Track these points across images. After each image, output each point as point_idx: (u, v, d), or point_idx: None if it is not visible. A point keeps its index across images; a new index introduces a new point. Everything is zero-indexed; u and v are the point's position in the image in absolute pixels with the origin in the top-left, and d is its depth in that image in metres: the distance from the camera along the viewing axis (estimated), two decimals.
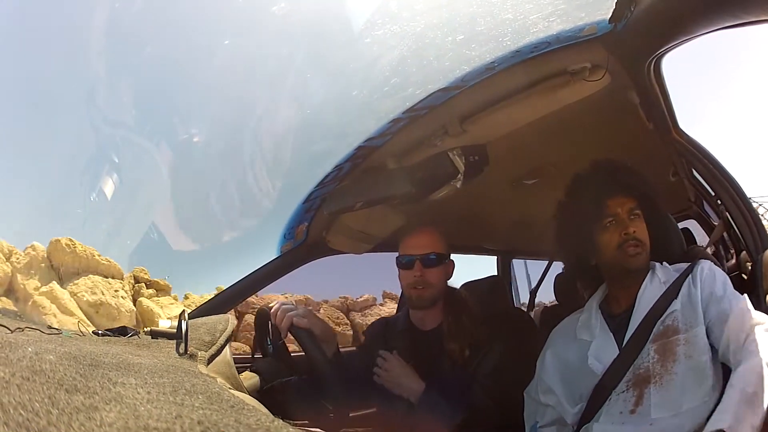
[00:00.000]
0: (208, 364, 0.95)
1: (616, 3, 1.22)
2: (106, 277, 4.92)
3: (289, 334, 1.41)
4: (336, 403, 1.40)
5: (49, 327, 1.04)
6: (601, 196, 1.32)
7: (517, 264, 3.18)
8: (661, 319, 1.19)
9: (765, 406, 0.91)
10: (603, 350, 1.24)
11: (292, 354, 1.48)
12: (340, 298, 6.14)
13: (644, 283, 1.27)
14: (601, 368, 1.22)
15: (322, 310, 5.81)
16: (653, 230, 1.34)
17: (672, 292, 1.21)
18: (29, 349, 0.65)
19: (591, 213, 1.32)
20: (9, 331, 0.86)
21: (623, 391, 1.16)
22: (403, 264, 1.59)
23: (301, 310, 1.40)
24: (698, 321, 1.15)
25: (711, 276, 1.20)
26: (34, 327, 0.95)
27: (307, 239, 2.03)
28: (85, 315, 4.59)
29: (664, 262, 1.31)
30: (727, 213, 1.58)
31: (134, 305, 4.96)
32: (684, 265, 1.27)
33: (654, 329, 1.18)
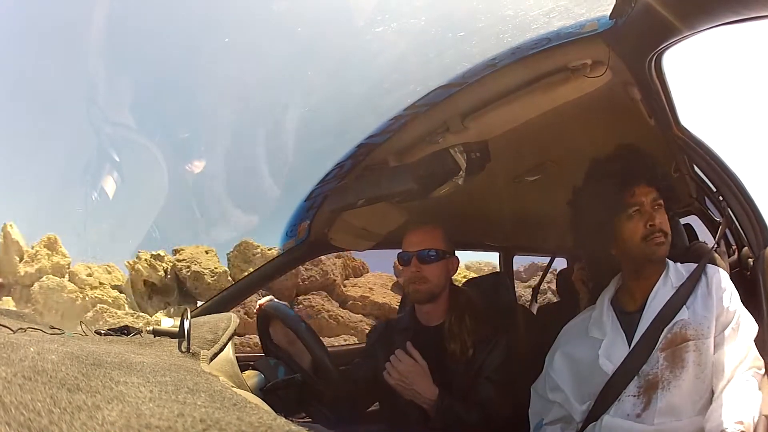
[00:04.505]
0: (211, 362, 0.96)
1: None
2: None
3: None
4: (338, 404, 1.41)
5: (52, 327, 1.04)
6: (626, 184, 1.25)
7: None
8: (670, 325, 1.18)
9: None
10: (614, 349, 1.23)
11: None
12: None
13: (657, 285, 1.25)
14: (611, 367, 1.21)
15: None
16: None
17: (682, 297, 1.20)
18: (31, 349, 0.65)
19: (613, 201, 1.25)
20: (11, 332, 0.86)
21: (633, 396, 1.16)
22: (402, 260, 1.62)
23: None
24: (710, 331, 1.14)
25: (725, 288, 1.20)
26: (36, 327, 0.95)
27: (309, 237, 2.03)
28: None
29: (678, 263, 1.30)
30: (728, 209, 1.58)
31: None
32: (692, 266, 1.25)
33: (663, 334, 1.17)
